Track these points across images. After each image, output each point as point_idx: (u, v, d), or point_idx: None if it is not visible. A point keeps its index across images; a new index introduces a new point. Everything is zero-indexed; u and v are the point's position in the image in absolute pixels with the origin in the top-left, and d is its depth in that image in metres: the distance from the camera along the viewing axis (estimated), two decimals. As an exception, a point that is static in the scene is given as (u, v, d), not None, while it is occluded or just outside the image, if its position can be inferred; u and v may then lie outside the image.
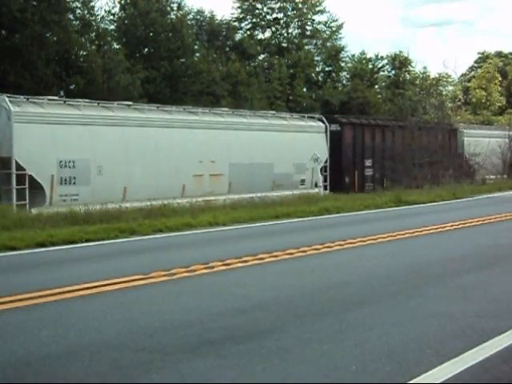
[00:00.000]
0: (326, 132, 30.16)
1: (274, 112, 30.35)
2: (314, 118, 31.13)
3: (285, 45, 52.11)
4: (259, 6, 51.93)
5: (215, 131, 25.23)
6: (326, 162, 29.89)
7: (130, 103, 23.97)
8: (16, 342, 6.79)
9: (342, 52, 53.95)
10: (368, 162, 33.21)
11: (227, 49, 45.40)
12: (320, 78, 52.95)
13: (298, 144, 28.48)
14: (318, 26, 53.81)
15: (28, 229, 15.34)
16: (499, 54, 73.63)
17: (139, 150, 22.43)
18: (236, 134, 26.09)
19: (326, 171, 30.12)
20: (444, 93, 59.81)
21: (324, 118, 30.78)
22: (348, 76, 54.41)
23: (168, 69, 36.65)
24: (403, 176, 33.70)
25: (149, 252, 13.48)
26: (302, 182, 28.85)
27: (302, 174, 28.87)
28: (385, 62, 57.35)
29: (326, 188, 30.11)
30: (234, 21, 50.44)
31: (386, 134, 34.60)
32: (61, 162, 20.19)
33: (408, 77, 58.12)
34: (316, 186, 29.29)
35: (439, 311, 7.96)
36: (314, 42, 53.66)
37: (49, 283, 9.58)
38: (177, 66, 37.09)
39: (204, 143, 24.60)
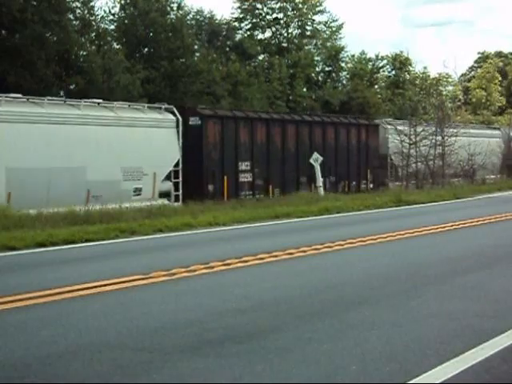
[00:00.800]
0: (177, 127, 23.92)
1: (99, 100, 22.97)
2: (159, 108, 24.42)
3: (285, 45, 52.07)
4: (259, 6, 51.91)
5: None
6: (177, 165, 23.85)
7: None
8: (16, 341, 6.79)
9: (342, 52, 54.00)
10: (245, 166, 26.50)
11: (227, 49, 45.37)
12: (320, 77, 52.95)
13: (130, 142, 22.21)
14: (318, 26, 53.81)
15: (28, 229, 15.34)
16: (499, 54, 73.63)
17: None
18: (19, 128, 19.42)
19: (177, 177, 23.93)
20: (444, 93, 59.86)
21: (175, 109, 24.23)
22: (348, 76, 54.43)
23: (168, 69, 36.62)
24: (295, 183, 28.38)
25: (149, 252, 13.49)
26: (137, 191, 22.37)
27: (137, 181, 22.42)
28: (385, 62, 57.47)
29: (176, 199, 23.79)
30: (234, 21, 50.41)
31: (273, 130, 27.81)
32: None
33: (408, 77, 58.18)
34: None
35: (439, 311, 7.96)
36: (314, 42, 53.64)
37: (49, 283, 9.58)
38: (177, 66, 37.05)
39: None
